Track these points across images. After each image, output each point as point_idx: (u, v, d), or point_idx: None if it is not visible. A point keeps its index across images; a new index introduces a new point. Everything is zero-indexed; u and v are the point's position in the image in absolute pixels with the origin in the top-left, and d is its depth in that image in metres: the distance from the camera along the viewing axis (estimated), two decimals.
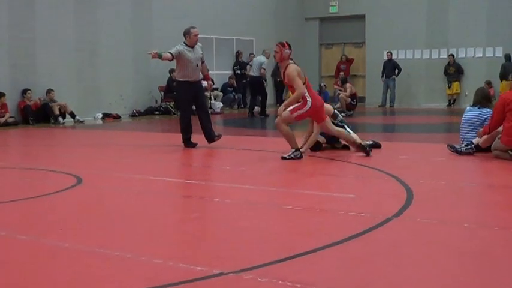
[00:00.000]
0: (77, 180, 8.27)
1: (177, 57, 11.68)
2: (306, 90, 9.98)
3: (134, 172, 9.09)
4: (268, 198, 7.24)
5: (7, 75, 18.94)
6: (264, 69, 21.02)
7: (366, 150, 10.18)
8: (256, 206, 6.79)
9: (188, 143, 11.93)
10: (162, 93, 22.93)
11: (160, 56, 11.41)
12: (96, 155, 11.50)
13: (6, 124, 17.83)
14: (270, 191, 7.68)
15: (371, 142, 10.93)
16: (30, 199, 7.35)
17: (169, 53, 11.67)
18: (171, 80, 22.35)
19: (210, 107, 23.42)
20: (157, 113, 22.76)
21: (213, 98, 24.13)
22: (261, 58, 21.07)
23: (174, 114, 22.36)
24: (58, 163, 9.77)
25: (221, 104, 23.61)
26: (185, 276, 4.35)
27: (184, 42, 11.84)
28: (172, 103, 22.78)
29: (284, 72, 10.04)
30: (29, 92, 18.84)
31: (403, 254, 4.92)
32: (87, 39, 21.22)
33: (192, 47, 11.84)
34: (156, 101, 23.25)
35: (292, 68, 9.96)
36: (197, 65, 11.84)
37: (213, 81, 11.63)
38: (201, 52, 12.04)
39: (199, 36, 11.95)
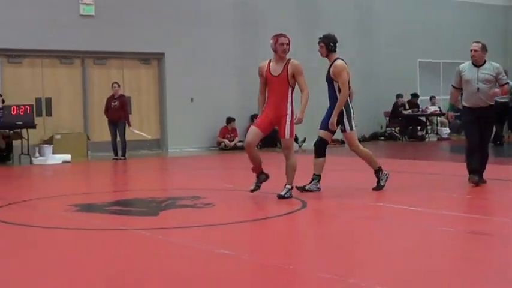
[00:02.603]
0: (302, 204, 8.36)
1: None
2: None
3: (355, 198, 9.03)
4: (494, 230, 6.92)
5: (237, 101, 19.74)
6: None
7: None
8: (477, 236, 6.51)
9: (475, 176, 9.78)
10: (387, 118, 22.77)
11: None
12: (322, 179, 11.57)
13: (235, 148, 18.55)
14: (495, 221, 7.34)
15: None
16: (258, 221, 7.52)
17: (452, 86, 10.25)
18: (396, 105, 22.18)
19: (437, 133, 22.98)
20: (381, 138, 22.65)
21: (440, 123, 23.65)
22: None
23: (399, 139, 22.15)
24: (283, 186, 9.92)
25: (448, 130, 23.04)
26: None
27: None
28: (397, 128, 22.58)
29: (286, 69, 8.91)
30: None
31: None
32: (313, 66, 21.53)
33: (476, 65, 9.81)
34: (381, 127, 23.13)
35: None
36: (478, 89, 9.67)
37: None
38: (491, 74, 9.80)
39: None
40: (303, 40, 21.34)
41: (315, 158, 9.70)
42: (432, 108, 22.72)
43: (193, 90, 19.51)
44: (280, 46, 8.91)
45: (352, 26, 22.60)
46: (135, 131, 17.38)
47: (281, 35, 9.06)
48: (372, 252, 5.81)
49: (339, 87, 9.46)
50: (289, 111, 8.96)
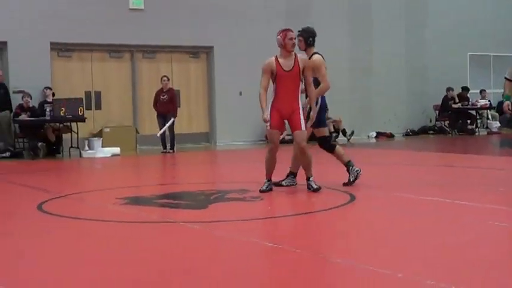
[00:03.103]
0: (350, 198, 8.32)
1: None
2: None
3: (406, 191, 8.96)
4: None
5: None
6: None
7: None
8: None
9: None
10: (437, 112, 22.55)
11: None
12: (369, 173, 11.51)
13: (283, 141, 18.44)
14: None
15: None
16: (306, 214, 7.50)
17: (505, 78, 9.64)
18: (446, 99, 21.96)
19: (487, 127, 22.70)
20: (431, 132, 22.44)
21: (490, 117, 23.35)
22: None
23: (449, 133, 21.93)
24: (332, 180, 9.89)
25: (498, 124, 22.73)
26: None
27: None
28: (447, 122, 22.35)
29: (297, 64, 8.80)
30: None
31: None
32: (361, 59, 21.46)
33: None
34: (430, 120, 22.93)
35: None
36: None
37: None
38: None
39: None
40: (350, 34, 21.24)
41: (332, 153, 9.55)
42: (482, 102, 22.42)
43: (242, 83, 19.52)
44: (289, 41, 8.81)
45: (402, 19, 22.42)
46: (167, 126, 17.11)
47: (288, 29, 8.93)
48: (422, 246, 5.75)
49: (314, 81, 9.21)
50: (300, 105, 8.88)
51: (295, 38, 8.89)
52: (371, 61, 21.65)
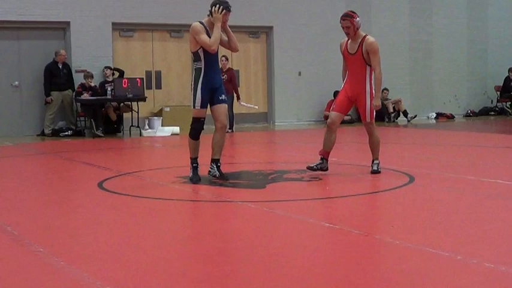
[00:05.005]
0: (409, 179, 8.27)
1: None
2: None
3: (467, 173, 8.88)
4: None
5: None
6: None
7: None
8: None
9: None
10: (498, 93, 22.22)
11: None
12: (429, 154, 11.41)
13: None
14: None
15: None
16: (364, 195, 7.49)
17: None
18: (508, 80, 21.62)
19: None
20: (492, 113, 22.13)
21: None
22: None
23: (510, 115, 21.61)
24: (391, 161, 9.85)
25: None
26: None
27: None
28: (508, 103, 22.02)
29: (360, 47, 8.54)
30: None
31: None
32: (422, 40, 21.22)
33: None
34: (492, 101, 22.60)
35: (374, 40, 8.57)
36: None
37: None
38: None
39: None
40: (410, 15, 20.99)
41: (192, 139, 8.81)
42: None
43: (301, 63, 19.51)
44: (342, 29, 8.66)
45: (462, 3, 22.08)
46: (244, 104, 17.51)
47: (341, 17, 8.66)
48: (483, 228, 5.70)
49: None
50: (367, 88, 8.69)
51: (346, 27, 8.56)
52: (431, 42, 21.38)
